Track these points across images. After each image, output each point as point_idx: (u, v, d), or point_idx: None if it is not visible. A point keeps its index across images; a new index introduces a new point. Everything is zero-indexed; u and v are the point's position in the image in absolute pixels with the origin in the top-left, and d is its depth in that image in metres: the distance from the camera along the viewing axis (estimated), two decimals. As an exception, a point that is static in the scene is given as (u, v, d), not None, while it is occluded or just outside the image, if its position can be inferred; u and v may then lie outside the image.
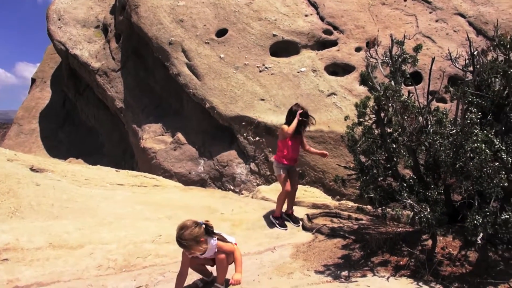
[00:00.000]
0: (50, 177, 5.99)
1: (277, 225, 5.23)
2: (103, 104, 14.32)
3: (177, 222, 5.11)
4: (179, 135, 10.46)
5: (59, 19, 14.51)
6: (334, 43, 10.55)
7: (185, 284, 3.57)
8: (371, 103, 4.06)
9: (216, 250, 3.35)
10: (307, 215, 5.55)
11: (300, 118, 5.11)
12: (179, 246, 3.19)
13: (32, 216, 4.71)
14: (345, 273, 3.89)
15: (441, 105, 7.51)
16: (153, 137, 10.97)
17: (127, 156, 13.78)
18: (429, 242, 4.11)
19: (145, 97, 12.04)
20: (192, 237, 3.13)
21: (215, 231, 3.40)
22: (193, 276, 3.63)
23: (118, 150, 14.38)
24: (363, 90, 9.19)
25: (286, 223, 5.30)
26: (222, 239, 3.43)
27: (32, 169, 6.06)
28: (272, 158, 9.10)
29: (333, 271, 3.96)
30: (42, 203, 5.02)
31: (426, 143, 3.89)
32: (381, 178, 4.21)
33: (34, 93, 19.04)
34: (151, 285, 3.69)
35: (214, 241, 3.34)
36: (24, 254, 3.92)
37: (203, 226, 3.26)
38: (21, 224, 4.47)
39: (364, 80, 4.51)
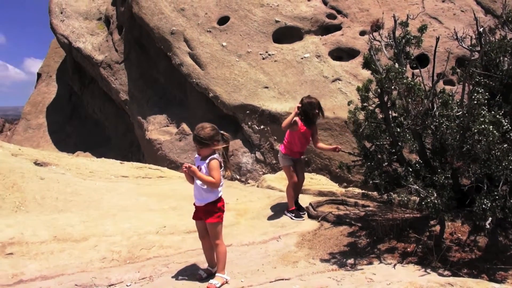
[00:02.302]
0: (54, 171, 6.00)
1: (293, 218, 5.04)
2: (108, 97, 14.32)
3: (182, 213, 5.11)
4: (184, 126, 10.42)
5: (61, 12, 14.45)
6: (338, 28, 10.35)
7: (189, 274, 3.54)
8: (374, 86, 3.95)
9: (207, 162, 3.27)
10: (311, 203, 5.48)
11: (299, 111, 4.78)
12: (193, 141, 3.32)
13: (37, 210, 4.72)
14: (351, 261, 3.84)
15: (448, 87, 7.34)
16: (158, 129, 10.95)
17: (133, 148, 13.81)
18: (437, 227, 4.03)
19: (149, 89, 11.99)
20: (208, 137, 3.24)
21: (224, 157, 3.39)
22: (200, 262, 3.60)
23: (124, 143, 14.41)
24: (368, 74, 9.02)
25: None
26: (220, 164, 3.32)
27: (36, 163, 6.06)
28: (278, 146, 9.02)
29: (338, 259, 3.91)
30: (46, 196, 5.03)
31: (432, 126, 3.77)
32: (386, 163, 4.12)
33: (40, 88, 19.12)
34: (155, 276, 3.66)
35: (216, 155, 3.31)
36: (29, 248, 3.92)
37: (222, 135, 3.35)
38: (25, 218, 4.48)
39: (367, 63, 4.38)
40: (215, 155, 3.32)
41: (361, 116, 4.14)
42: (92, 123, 16.54)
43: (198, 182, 3.33)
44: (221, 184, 3.37)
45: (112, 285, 3.50)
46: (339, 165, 4.80)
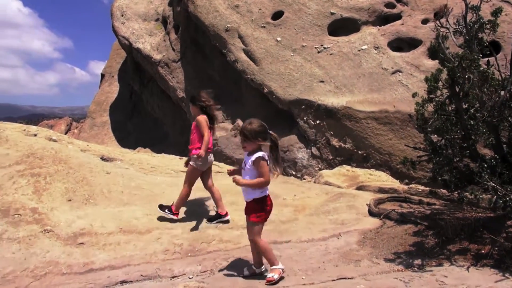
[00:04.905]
0: (119, 166, 6.28)
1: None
2: (166, 95, 14.81)
3: (239, 208, 5.12)
4: (239, 122, 10.50)
5: (122, 15, 15.15)
6: (397, 17, 9.88)
7: (235, 271, 3.54)
8: (444, 76, 3.68)
9: (253, 160, 3.24)
10: (372, 200, 5.28)
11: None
12: (239, 134, 3.34)
13: (104, 203, 4.96)
14: (418, 261, 3.63)
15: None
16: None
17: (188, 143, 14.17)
18: (515, 228, 3.70)
19: (205, 86, 12.21)
20: (253, 132, 3.23)
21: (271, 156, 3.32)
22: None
23: (182, 139, 14.84)
24: (432, 65, 8.54)
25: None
26: (267, 162, 3.26)
27: (102, 158, 6.39)
28: (334, 141, 8.82)
29: (404, 259, 3.71)
30: (112, 190, 5.27)
31: (510, 118, 3.45)
32: (457, 159, 3.84)
33: (103, 87, 20.25)
34: (216, 270, 3.70)
35: (262, 153, 3.26)
36: (98, 239, 4.13)
37: (269, 134, 3.31)
38: (94, 210, 4.72)
39: (435, 52, 4.11)
40: (261, 153, 3.27)
41: (429, 108, 3.88)
42: (151, 121, 17.22)
43: (246, 178, 3.32)
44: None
45: (175, 276, 3.58)
46: (403, 160, 4.55)
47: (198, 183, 4.78)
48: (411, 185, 6.56)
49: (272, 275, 3.27)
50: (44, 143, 6.00)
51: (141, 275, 3.56)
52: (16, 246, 3.83)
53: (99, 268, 3.67)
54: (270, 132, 3.35)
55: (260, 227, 3.37)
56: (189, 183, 4.63)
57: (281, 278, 3.31)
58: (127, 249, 3.99)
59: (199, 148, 4.40)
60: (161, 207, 4.64)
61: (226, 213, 4.69)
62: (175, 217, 4.59)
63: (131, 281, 3.47)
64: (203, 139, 4.41)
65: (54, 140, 6.47)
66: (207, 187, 4.75)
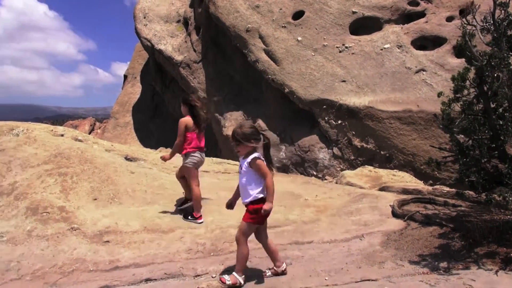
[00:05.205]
0: (143, 166, 6.39)
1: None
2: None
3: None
4: (260, 122, 10.51)
5: (145, 17, 15.39)
6: (421, 15, 9.69)
7: (257, 271, 3.54)
8: (471, 75, 3.59)
9: (249, 161, 3.24)
10: (396, 201, 5.20)
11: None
12: (231, 139, 3.34)
13: (128, 202, 5.06)
14: (444, 264, 3.55)
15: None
16: (234, 125, 11.18)
17: (211, 143, 14.29)
18: (547, 232, 3.58)
19: (226, 86, 12.29)
20: (245, 135, 3.25)
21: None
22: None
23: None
24: (457, 63, 8.35)
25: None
26: (263, 160, 3.28)
27: (126, 158, 6.51)
28: (356, 141, 8.73)
29: (429, 261, 3.64)
30: (136, 189, 5.37)
31: (541, 118, 3.34)
32: (485, 159, 3.73)
33: (126, 88, 20.63)
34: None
35: (257, 154, 3.26)
36: (123, 237, 4.21)
37: (261, 135, 3.32)
38: (119, 209, 4.82)
39: (461, 50, 4.01)
40: (256, 154, 3.27)
41: (455, 108, 3.79)
42: (172, 121, 17.42)
43: (243, 180, 3.33)
44: (262, 186, 3.30)
45: (198, 275, 3.62)
46: (428, 161, 4.45)
47: (225, 183, 4.81)
48: (435, 186, 6.42)
49: (228, 279, 3.25)
50: (71, 143, 6.16)
51: (165, 274, 3.61)
52: (45, 243, 3.95)
53: (124, 266, 3.74)
54: (262, 133, 3.38)
55: (252, 230, 3.35)
56: (192, 181, 4.79)
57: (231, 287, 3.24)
58: (151, 248, 4.06)
59: (185, 149, 4.72)
60: (184, 216, 4.77)
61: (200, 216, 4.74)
62: (199, 221, 4.69)
63: (155, 279, 3.52)
64: (175, 142, 4.72)
65: (80, 140, 6.63)
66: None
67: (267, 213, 3.22)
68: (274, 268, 3.49)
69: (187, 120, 4.72)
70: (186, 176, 4.85)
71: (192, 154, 4.73)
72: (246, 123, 3.38)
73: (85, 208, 4.67)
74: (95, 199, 4.92)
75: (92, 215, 4.53)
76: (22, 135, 6.06)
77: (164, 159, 4.83)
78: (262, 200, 3.29)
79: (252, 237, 3.41)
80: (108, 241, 4.11)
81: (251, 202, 3.30)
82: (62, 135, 6.65)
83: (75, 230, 4.21)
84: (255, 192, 3.29)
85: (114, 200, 5.04)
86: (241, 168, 3.36)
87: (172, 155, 4.76)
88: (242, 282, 3.29)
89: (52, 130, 6.85)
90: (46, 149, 5.74)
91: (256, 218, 3.29)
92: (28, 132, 6.21)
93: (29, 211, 4.41)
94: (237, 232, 3.36)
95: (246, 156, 3.31)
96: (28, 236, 4.04)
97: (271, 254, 3.48)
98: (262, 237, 3.46)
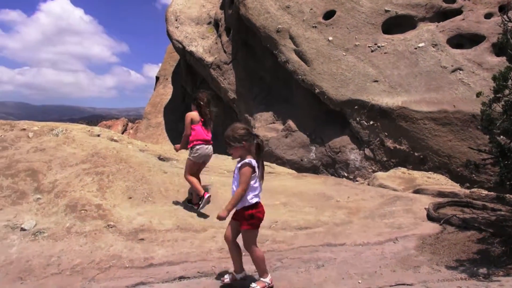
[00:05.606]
0: (175, 165, 6.51)
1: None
2: (217, 96, 15.11)
3: (292, 209, 5.13)
4: (290, 122, 10.48)
5: (176, 20, 15.67)
6: (458, 12, 9.38)
7: (304, 271, 3.52)
8: (514, 74, 3.45)
9: (239, 165, 3.20)
10: (431, 204, 5.06)
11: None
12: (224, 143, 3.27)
13: (162, 201, 5.17)
14: (483, 270, 3.43)
15: None
16: (264, 125, 11.20)
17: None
18: None
19: (256, 87, 12.34)
20: (235, 137, 3.21)
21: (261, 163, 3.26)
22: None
23: (232, 139, 15.06)
24: (496, 62, 8.03)
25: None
26: (254, 168, 3.16)
27: (159, 158, 6.65)
28: (389, 143, 8.55)
29: (468, 267, 3.52)
30: (169, 189, 5.48)
31: None
32: (528, 162, 3.58)
33: (158, 90, 21.08)
34: (270, 270, 3.72)
35: (248, 160, 3.17)
36: (157, 235, 4.31)
37: (255, 138, 3.25)
38: (153, 208, 4.93)
39: (502, 48, 3.86)
40: (248, 160, 3.18)
41: (496, 108, 3.65)
42: (202, 122, 17.63)
43: (235, 185, 3.28)
44: (258, 191, 3.26)
45: (230, 275, 3.63)
46: (466, 163, 4.32)
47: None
48: (473, 189, 6.20)
49: (255, 285, 3.22)
50: (107, 143, 6.35)
51: (198, 272, 3.66)
52: (83, 240, 4.10)
53: (159, 263, 3.82)
54: (255, 134, 3.32)
55: (254, 235, 3.32)
56: (186, 172, 5.09)
57: None
58: (184, 246, 4.13)
59: (191, 142, 5.06)
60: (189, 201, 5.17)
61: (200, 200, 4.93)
62: (195, 207, 5.00)
63: (189, 277, 3.58)
64: (183, 134, 5.08)
65: (116, 141, 6.83)
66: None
67: (219, 219, 3.15)
68: (233, 273, 3.45)
69: (192, 113, 5.08)
70: (185, 166, 5.20)
71: (196, 147, 5.03)
72: (238, 124, 3.34)
73: (120, 206, 4.81)
74: (130, 197, 5.05)
75: (128, 213, 4.66)
76: (61, 135, 6.30)
77: (176, 149, 5.25)
78: (255, 206, 3.25)
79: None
80: (143, 239, 4.21)
81: (245, 208, 3.25)
82: (98, 135, 6.87)
83: (111, 227, 4.34)
84: (248, 198, 3.24)
85: (148, 199, 5.15)
86: (234, 173, 3.32)
87: (182, 145, 5.18)
88: (271, 283, 3.30)
89: (89, 130, 7.09)
90: (83, 149, 5.95)
91: (254, 222, 3.27)
92: (67, 132, 6.45)
93: (68, 208, 4.59)
94: (243, 244, 3.32)
95: (240, 159, 3.26)
96: (67, 232, 4.20)
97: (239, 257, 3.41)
98: (234, 236, 3.37)
